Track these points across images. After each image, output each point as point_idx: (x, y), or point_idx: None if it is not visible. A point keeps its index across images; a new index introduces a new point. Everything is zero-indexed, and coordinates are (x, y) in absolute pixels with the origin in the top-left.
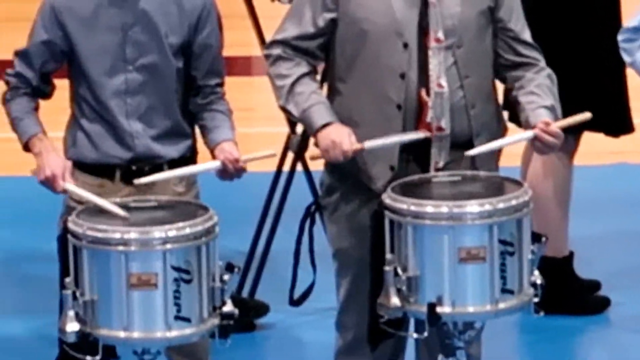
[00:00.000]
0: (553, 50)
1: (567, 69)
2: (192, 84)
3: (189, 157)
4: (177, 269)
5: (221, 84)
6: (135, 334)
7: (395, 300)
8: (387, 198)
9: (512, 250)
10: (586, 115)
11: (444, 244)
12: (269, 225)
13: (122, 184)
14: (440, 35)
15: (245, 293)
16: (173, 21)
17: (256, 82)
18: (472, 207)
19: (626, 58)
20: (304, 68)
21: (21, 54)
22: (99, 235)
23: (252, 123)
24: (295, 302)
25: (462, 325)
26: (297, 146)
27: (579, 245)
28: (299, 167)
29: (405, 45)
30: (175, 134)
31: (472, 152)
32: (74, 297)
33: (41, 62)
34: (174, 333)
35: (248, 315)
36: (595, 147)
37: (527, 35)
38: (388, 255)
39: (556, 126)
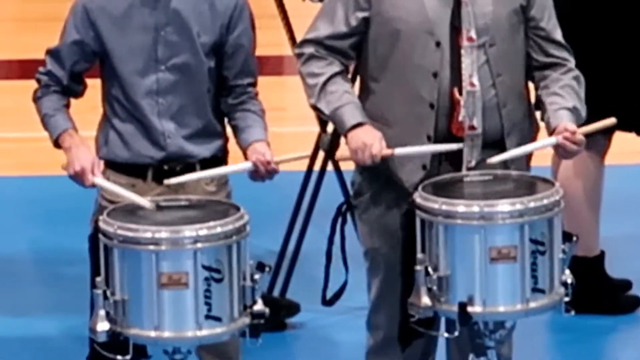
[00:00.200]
0: (583, 51)
1: (597, 69)
2: (224, 84)
3: (221, 157)
4: (207, 268)
5: (253, 84)
6: (166, 334)
7: (426, 300)
8: (419, 197)
9: (543, 250)
10: (611, 121)
11: (475, 244)
12: (300, 225)
13: (154, 184)
14: (473, 34)
15: (276, 292)
16: (205, 21)
17: (287, 81)
18: (503, 206)
19: None
20: (336, 67)
21: (52, 53)
22: (130, 234)
23: (284, 123)
24: (328, 302)
25: (492, 325)
26: (328, 145)
27: (610, 244)
28: (330, 166)
29: (438, 44)
30: (207, 133)
31: (494, 159)
32: (105, 297)
33: (72, 61)
34: (204, 332)
35: (279, 314)
36: (626, 146)
37: (558, 35)
38: (419, 255)
39: (580, 132)
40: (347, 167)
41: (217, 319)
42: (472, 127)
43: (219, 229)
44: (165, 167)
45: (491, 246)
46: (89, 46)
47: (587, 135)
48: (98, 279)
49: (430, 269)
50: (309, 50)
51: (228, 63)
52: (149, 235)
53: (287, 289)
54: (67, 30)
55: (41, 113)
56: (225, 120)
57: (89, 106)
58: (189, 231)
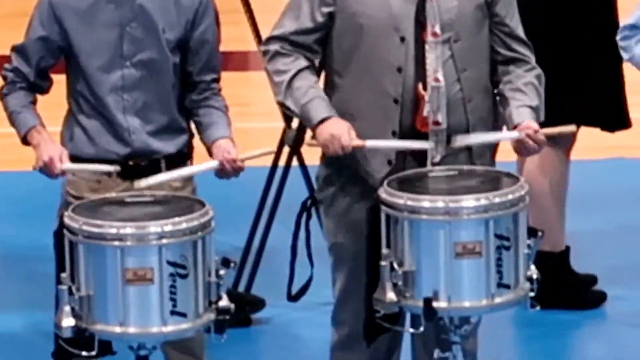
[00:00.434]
0: (550, 47)
1: (563, 63)
2: (187, 80)
3: (186, 153)
4: (173, 264)
5: (217, 80)
6: (131, 329)
7: (391, 295)
8: (384, 193)
9: (508, 245)
10: (571, 128)
11: (440, 239)
12: (265, 220)
13: (119, 179)
14: (437, 29)
15: (241, 288)
16: (170, 17)
17: (252, 77)
18: (468, 201)
19: (624, 55)
20: (302, 63)
21: (18, 50)
22: (95, 230)
23: (249, 118)
24: (293, 298)
25: (458, 320)
26: (293, 141)
27: (575, 239)
28: (295, 161)
29: (403, 40)
30: (172, 129)
31: (457, 142)
32: (70, 292)
33: (38, 57)
34: (169, 328)
35: (244, 310)
36: (592, 141)
37: (521, 32)
38: (384, 250)
39: (542, 134)
40: (312, 162)
41: (182, 315)
42: (436, 123)
43: (184, 225)
44: (131, 163)
45: (456, 241)
46: (54, 42)
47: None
48: (63, 274)
49: (395, 265)
50: (274, 47)
51: (193, 59)
52: (114, 231)
53: (252, 284)
54: (32, 26)
55: (8, 110)
56: None
57: (56, 102)
58: (154, 227)
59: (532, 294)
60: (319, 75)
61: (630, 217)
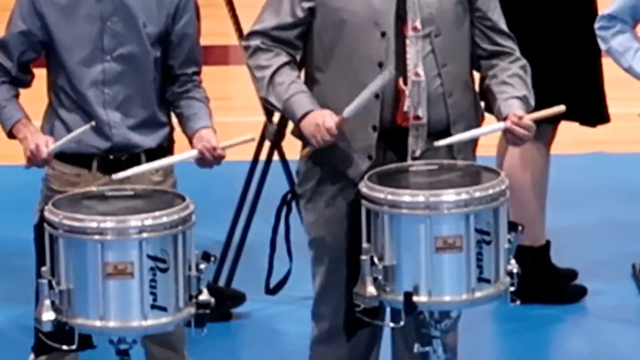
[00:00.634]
0: (529, 40)
1: (542, 59)
2: (169, 73)
3: (166, 147)
4: (153, 258)
5: (198, 73)
6: (111, 323)
7: (371, 290)
8: (364, 187)
9: (488, 240)
10: (559, 108)
11: (421, 233)
12: (246, 215)
13: (99, 174)
14: (418, 24)
15: (221, 282)
16: (151, 11)
17: (233, 71)
18: (449, 196)
19: (602, 45)
20: (283, 58)
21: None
22: (75, 224)
23: (230, 112)
24: (271, 291)
25: (438, 315)
26: (274, 135)
27: (555, 234)
28: (276, 156)
29: (383, 34)
30: (152, 123)
31: (441, 142)
32: (50, 286)
33: (20, 52)
34: (150, 322)
35: (224, 304)
36: (572, 136)
37: (503, 25)
38: (364, 244)
39: (529, 119)
40: (293, 156)
41: (163, 309)
42: (417, 117)
43: (164, 219)
44: (111, 157)
45: (437, 236)
46: (35, 36)
47: (535, 124)
48: (43, 268)
49: (375, 259)
50: (255, 42)
51: (173, 53)
52: (94, 225)
53: (233, 278)
54: (13, 20)
55: None
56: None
57: (37, 96)
58: (134, 221)
59: (512, 289)
60: (300, 70)
61: (610, 211)
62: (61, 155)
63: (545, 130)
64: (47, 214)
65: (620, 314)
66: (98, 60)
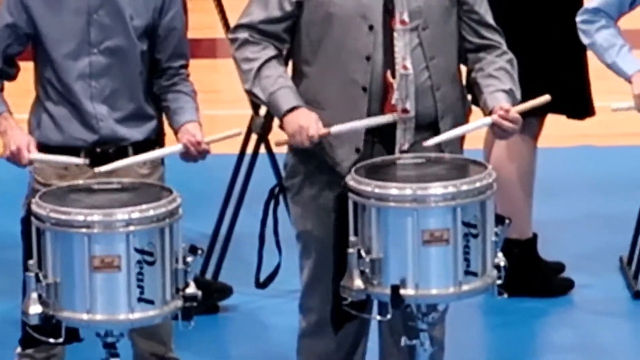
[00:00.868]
0: (516, 34)
1: (529, 52)
2: (156, 67)
3: (154, 140)
4: (140, 251)
5: (185, 66)
6: (98, 316)
7: (358, 283)
8: (351, 180)
9: (475, 233)
10: (545, 98)
11: (408, 226)
12: (233, 208)
13: (86, 167)
14: (406, 17)
15: (208, 275)
16: (138, 4)
17: (220, 64)
18: (436, 189)
19: (584, 39)
20: (270, 51)
21: None
22: (62, 217)
23: (217, 105)
24: (261, 285)
25: (425, 308)
26: (261, 128)
27: (542, 227)
28: (263, 149)
29: (371, 28)
30: (140, 116)
31: (429, 142)
32: (37, 280)
33: (5, 45)
34: (137, 315)
35: (211, 297)
36: (559, 129)
37: (490, 18)
38: (351, 238)
39: (515, 111)
40: (280, 149)
41: (150, 302)
42: (405, 110)
43: (151, 212)
44: (98, 150)
45: (424, 229)
46: (22, 29)
47: (521, 116)
48: (30, 261)
49: (362, 252)
50: (242, 35)
51: (160, 46)
52: (81, 218)
53: (220, 271)
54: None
55: None
56: None
57: (23, 89)
58: (121, 214)
59: (499, 282)
60: (286, 64)
61: (597, 204)
62: (48, 149)
63: (532, 123)
64: (34, 207)
65: (607, 307)
66: (85, 53)
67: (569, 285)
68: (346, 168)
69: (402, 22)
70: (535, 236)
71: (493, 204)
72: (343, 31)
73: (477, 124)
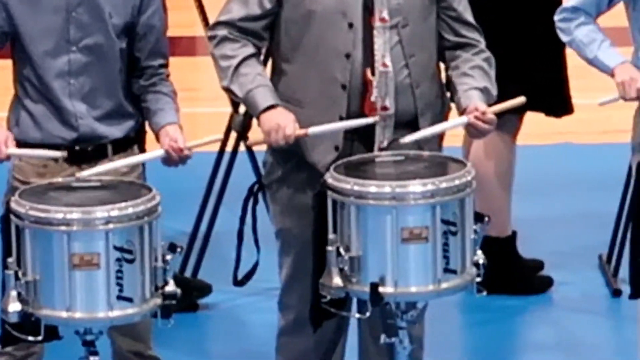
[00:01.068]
0: (494, 32)
1: (507, 50)
2: (135, 65)
3: (133, 137)
4: (119, 249)
5: (165, 65)
6: (78, 314)
7: (337, 280)
8: (330, 178)
9: (454, 230)
10: (520, 100)
11: (387, 224)
12: (212, 205)
13: (65, 164)
14: (385, 14)
15: (188, 273)
16: (117, 2)
17: (200, 62)
18: (415, 187)
19: (564, 37)
20: (249, 49)
21: None
22: (42, 215)
23: (196, 103)
24: (239, 282)
25: (404, 305)
26: (240, 126)
27: (522, 225)
28: (242, 147)
29: (350, 25)
30: (119, 114)
31: (406, 139)
32: (17, 277)
33: None
34: (116, 313)
35: (191, 295)
36: (538, 127)
37: (469, 16)
38: (331, 235)
39: (491, 111)
40: (259, 147)
41: (129, 300)
42: (384, 108)
43: (130, 210)
44: (77, 148)
45: (403, 227)
46: (0, 27)
47: (499, 115)
48: (10, 259)
49: (341, 250)
50: (221, 32)
51: (139, 44)
52: (60, 216)
53: (199, 269)
54: None
55: None
56: None
57: (1, 87)
58: (100, 212)
59: (478, 279)
60: (266, 62)
61: (577, 202)
62: (27, 146)
63: (511, 121)
64: (13, 205)
65: (586, 305)
66: (64, 51)
67: (548, 283)
68: (325, 166)
69: (382, 19)
70: (514, 234)
71: (472, 202)
72: (323, 29)
73: (454, 122)
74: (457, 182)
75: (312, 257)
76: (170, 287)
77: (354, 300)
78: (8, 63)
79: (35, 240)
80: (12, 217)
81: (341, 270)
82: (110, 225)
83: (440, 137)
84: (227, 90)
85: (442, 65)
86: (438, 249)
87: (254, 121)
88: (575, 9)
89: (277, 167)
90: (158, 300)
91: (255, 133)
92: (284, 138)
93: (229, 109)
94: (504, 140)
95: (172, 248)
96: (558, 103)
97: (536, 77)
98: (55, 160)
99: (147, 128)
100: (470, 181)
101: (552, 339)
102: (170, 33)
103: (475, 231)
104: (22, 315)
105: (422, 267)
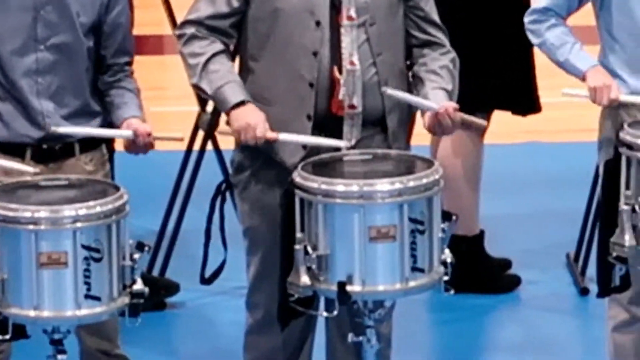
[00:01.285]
0: (462, 31)
1: (475, 49)
2: (101, 63)
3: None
4: (87, 247)
5: (130, 62)
6: (45, 313)
7: (305, 279)
8: (298, 176)
9: (422, 229)
10: (481, 122)
11: (355, 223)
12: (180, 204)
13: (32, 163)
14: (353, 13)
15: (155, 272)
16: (85, 1)
17: (167, 61)
18: (383, 185)
19: (534, 39)
20: (218, 46)
21: None
22: (9, 214)
23: (164, 102)
24: (206, 281)
25: (372, 304)
26: (208, 125)
27: (489, 223)
28: (210, 145)
29: (318, 23)
30: (86, 112)
31: (388, 92)
32: None
33: None
34: (84, 312)
35: (158, 294)
36: (506, 126)
37: (435, 16)
38: (298, 234)
39: (460, 116)
40: (227, 146)
41: (97, 299)
42: (352, 106)
43: (98, 209)
44: (44, 147)
45: (370, 225)
46: None
47: (465, 114)
48: None
49: (309, 248)
50: (190, 30)
51: (106, 42)
52: (28, 214)
53: (167, 268)
54: None
55: None
56: None
57: None
58: (68, 211)
59: (446, 278)
60: (233, 60)
61: (543, 201)
62: None
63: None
64: None
65: (554, 303)
66: (31, 50)
67: (515, 281)
68: (293, 164)
69: (349, 17)
70: (482, 233)
71: (440, 201)
72: (290, 27)
73: (427, 103)
74: (424, 180)
75: (279, 255)
76: (138, 285)
77: (322, 299)
78: None
79: (2, 239)
80: None
81: (309, 269)
82: (78, 224)
83: (408, 136)
84: (197, 87)
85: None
86: (406, 247)
87: (222, 120)
88: (546, 9)
89: (245, 165)
90: (126, 299)
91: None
92: (253, 138)
93: (196, 108)
94: (472, 139)
95: (139, 247)
96: (525, 102)
97: (503, 76)
98: (22, 159)
99: None
100: (438, 180)
101: (520, 337)
102: (138, 32)
103: (443, 230)
104: None
105: (390, 266)
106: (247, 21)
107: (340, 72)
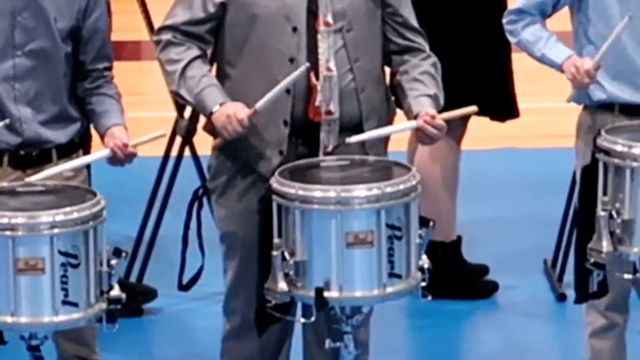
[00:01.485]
0: (440, 35)
1: (453, 53)
2: (80, 69)
3: (78, 142)
4: (64, 253)
5: (109, 68)
6: (23, 319)
7: (282, 285)
8: (275, 182)
9: (399, 235)
10: (472, 109)
11: (332, 229)
12: (157, 210)
13: (10, 169)
14: (330, 18)
15: (133, 278)
16: (62, 6)
17: (145, 66)
18: (360, 191)
19: (512, 39)
20: (194, 51)
21: None
22: None
23: (142, 107)
24: (183, 287)
25: (349, 310)
26: (185, 130)
27: (467, 229)
28: (187, 151)
29: (295, 29)
30: (64, 118)
31: (353, 139)
32: None
33: None
34: (61, 318)
35: (136, 299)
36: (483, 131)
37: (414, 21)
38: (275, 240)
39: (440, 118)
40: (204, 151)
41: (74, 305)
42: (329, 112)
43: (75, 215)
44: (22, 153)
45: (348, 231)
46: None
47: (447, 121)
48: None
49: (286, 254)
50: (166, 36)
51: (85, 47)
52: (5, 220)
53: (144, 274)
54: None
55: None
56: None
57: None
58: (45, 217)
59: (423, 284)
60: (211, 65)
61: (521, 206)
62: None
63: (456, 125)
64: None
65: (531, 309)
66: (9, 56)
67: (493, 287)
68: (270, 170)
69: (326, 23)
70: (459, 238)
71: (417, 206)
72: (267, 33)
73: (402, 126)
74: (402, 186)
75: (257, 261)
76: (116, 291)
77: (299, 305)
78: None
79: None
80: None
81: (286, 275)
82: (55, 230)
83: (385, 141)
84: (176, 94)
85: (386, 70)
86: (383, 253)
87: (199, 126)
88: (520, 11)
89: (222, 171)
90: (103, 305)
91: (200, 138)
92: (238, 123)
93: (173, 114)
94: (449, 145)
95: (117, 253)
96: (503, 107)
97: (481, 81)
98: (0, 165)
99: (92, 132)
100: (415, 186)
101: (497, 343)
102: (116, 37)
103: (420, 236)
104: None
105: (367, 272)
106: (224, 27)
107: (317, 78)
